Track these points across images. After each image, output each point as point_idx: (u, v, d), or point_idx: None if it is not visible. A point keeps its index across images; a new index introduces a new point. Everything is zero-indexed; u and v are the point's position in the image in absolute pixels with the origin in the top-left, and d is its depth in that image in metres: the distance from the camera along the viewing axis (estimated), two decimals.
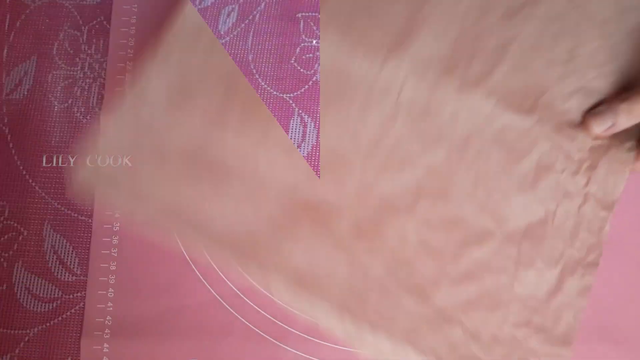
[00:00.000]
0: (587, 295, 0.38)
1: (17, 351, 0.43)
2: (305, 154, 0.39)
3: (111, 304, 0.43)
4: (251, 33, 0.44)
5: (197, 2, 0.43)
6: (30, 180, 0.46)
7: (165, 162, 0.38)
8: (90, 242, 0.44)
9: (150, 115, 0.39)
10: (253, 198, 0.38)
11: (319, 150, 0.39)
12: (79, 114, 0.47)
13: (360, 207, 0.37)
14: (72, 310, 0.44)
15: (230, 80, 0.40)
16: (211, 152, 0.38)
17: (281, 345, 0.42)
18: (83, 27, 0.49)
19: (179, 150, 0.39)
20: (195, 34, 0.41)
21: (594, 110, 0.37)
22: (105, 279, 0.44)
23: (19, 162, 0.46)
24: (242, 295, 0.43)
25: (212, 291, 0.43)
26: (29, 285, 0.44)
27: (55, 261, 0.44)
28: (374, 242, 0.37)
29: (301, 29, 0.45)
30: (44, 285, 0.44)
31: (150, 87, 0.40)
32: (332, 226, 0.37)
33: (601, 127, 0.37)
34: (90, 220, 0.45)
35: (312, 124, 0.40)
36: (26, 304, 0.44)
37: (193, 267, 0.44)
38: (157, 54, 0.40)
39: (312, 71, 0.43)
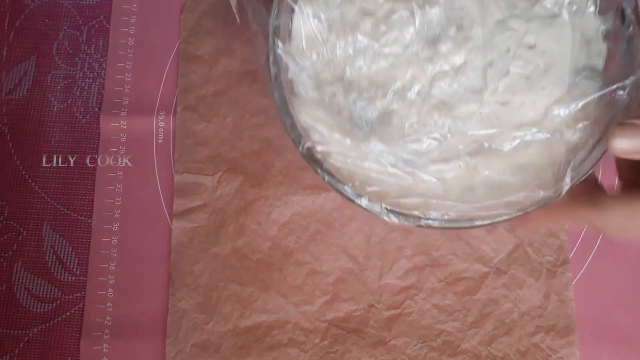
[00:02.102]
0: (571, 287, 0.43)
1: (16, 351, 0.43)
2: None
3: (111, 304, 0.43)
4: None
5: None
6: (30, 180, 0.46)
7: None
8: (89, 242, 0.44)
9: None
10: None
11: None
12: (78, 114, 0.47)
13: (382, 302, 0.43)
14: (72, 311, 0.44)
15: None
16: None
17: None
18: (83, 27, 0.48)
19: None
20: None
21: (626, 122, 0.30)
22: (105, 279, 0.44)
23: (18, 162, 0.46)
24: None
25: None
26: (29, 285, 0.44)
27: (55, 261, 0.44)
28: (402, 325, 0.42)
29: None
30: (44, 286, 0.44)
31: None
32: (367, 328, 0.43)
33: (632, 142, 0.29)
34: (89, 221, 0.45)
35: None
36: (26, 304, 0.44)
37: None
38: None
39: None
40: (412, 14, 0.36)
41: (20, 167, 0.46)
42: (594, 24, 0.36)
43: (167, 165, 0.45)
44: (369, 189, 0.34)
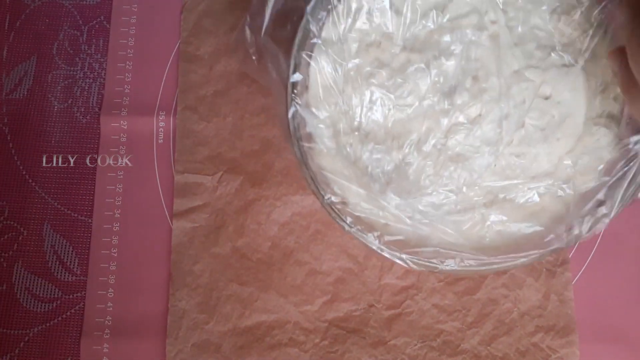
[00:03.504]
0: (571, 287, 0.43)
1: (17, 351, 0.43)
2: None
3: (111, 304, 0.43)
4: None
5: None
6: (30, 180, 0.46)
7: None
8: (90, 242, 0.44)
9: None
10: None
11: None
12: (78, 114, 0.47)
13: (382, 302, 0.43)
14: (72, 310, 0.44)
15: None
16: None
17: None
18: (83, 27, 0.49)
19: None
20: None
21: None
22: (105, 279, 0.44)
23: (18, 162, 0.46)
24: None
25: None
26: (29, 285, 0.44)
27: (55, 261, 0.44)
28: (402, 325, 0.42)
29: None
30: (44, 285, 0.44)
31: None
32: (367, 328, 0.42)
33: None
34: (90, 221, 0.45)
35: None
36: (26, 304, 0.44)
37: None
38: None
39: None
40: (427, 65, 0.37)
41: (21, 167, 0.46)
42: (607, 68, 0.36)
43: (167, 165, 0.45)
44: (387, 237, 0.35)
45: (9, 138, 0.46)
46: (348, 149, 0.37)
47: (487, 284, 0.43)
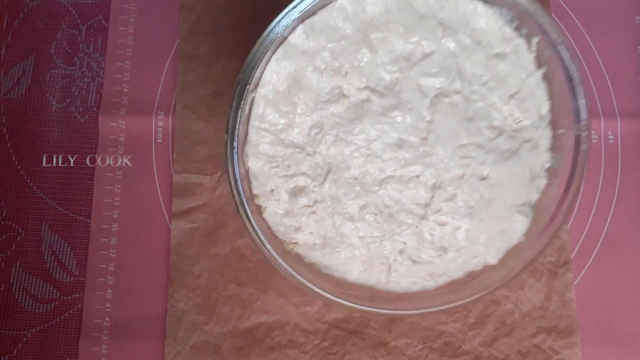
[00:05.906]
0: (573, 288, 0.43)
1: (15, 352, 0.43)
2: None
3: (109, 305, 0.43)
4: None
5: None
6: (28, 180, 0.45)
7: None
8: (88, 242, 0.44)
9: None
10: None
11: None
12: (77, 114, 0.47)
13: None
14: (70, 311, 0.43)
15: None
16: None
17: None
18: (81, 26, 0.48)
19: None
20: None
21: None
22: (104, 279, 0.43)
23: (17, 162, 0.46)
24: None
25: None
26: (27, 286, 0.44)
27: (54, 262, 0.44)
28: (403, 326, 0.42)
29: None
30: (42, 286, 0.44)
31: None
32: (367, 329, 0.42)
33: None
34: (88, 221, 0.45)
35: None
36: (24, 305, 0.43)
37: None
38: None
39: None
40: (385, 112, 0.37)
41: (19, 167, 0.46)
42: (541, 160, 0.37)
43: (166, 165, 0.45)
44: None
45: (7, 138, 0.46)
46: (283, 162, 0.37)
47: None
